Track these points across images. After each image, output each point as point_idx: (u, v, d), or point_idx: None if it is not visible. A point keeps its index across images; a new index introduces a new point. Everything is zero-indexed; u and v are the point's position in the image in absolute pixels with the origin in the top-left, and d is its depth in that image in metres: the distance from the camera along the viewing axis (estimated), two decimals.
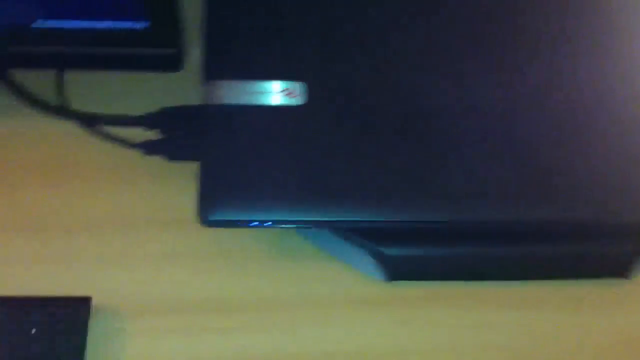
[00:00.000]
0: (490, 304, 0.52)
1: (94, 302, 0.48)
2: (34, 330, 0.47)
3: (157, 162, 0.54)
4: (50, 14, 0.49)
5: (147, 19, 0.49)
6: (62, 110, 0.55)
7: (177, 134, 0.54)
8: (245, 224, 0.49)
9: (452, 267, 0.53)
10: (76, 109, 0.55)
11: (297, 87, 0.52)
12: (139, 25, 0.49)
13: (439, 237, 0.52)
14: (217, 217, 0.49)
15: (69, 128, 0.55)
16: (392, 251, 0.52)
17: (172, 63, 0.52)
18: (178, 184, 0.53)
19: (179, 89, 0.56)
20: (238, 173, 0.49)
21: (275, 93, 0.52)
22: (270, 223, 0.49)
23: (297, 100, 0.52)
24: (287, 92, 0.53)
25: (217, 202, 0.49)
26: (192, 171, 0.52)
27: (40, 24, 0.49)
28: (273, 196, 0.49)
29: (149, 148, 0.53)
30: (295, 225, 0.51)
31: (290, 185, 0.49)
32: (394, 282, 0.52)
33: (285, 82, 0.53)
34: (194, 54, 0.53)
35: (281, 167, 0.50)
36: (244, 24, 0.54)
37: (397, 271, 0.53)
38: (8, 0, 0.48)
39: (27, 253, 0.51)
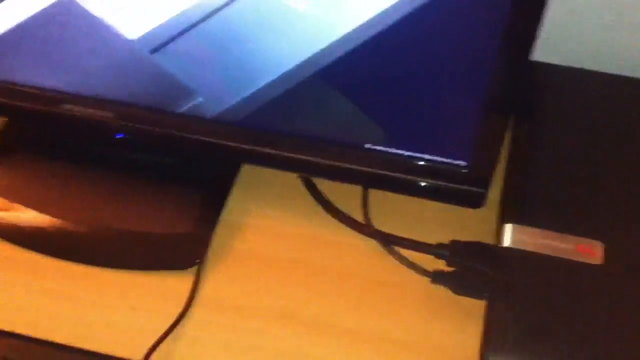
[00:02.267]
0: None
1: None
2: None
3: (443, 291, 0.56)
4: (378, 140, 0.53)
5: (469, 159, 0.52)
6: (364, 227, 0.59)
7: (466, 269, 0.55)
8: None
9: None
10: (377, 228, 0.59)
11: (594, 245, 0.52)
12: (459, 163, 0.52)
13: None
14: None
15: (367, 241, 0.59)
16: None
17: (476, 201, 0.54)
18: (459, 318, 0.55)
19: (473, 222, 0.58)
20: (526, 324, 0.50)
21: (571, 248, 0.53)
22: None
23: (593, 259, 0.52)
24: (583, 249, 0.53)
25: (503, 351, 0.49)
26: (475, 307, 0.53)
27: (367, 146, 0.54)
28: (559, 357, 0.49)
29: (436, 277, 0.56)
30: None
31: (579, 349, 0.49)
32: None
33: (582, 238, 0.53)
34: (492, 192, 0.56)
35: (571, 328, 0.50)
36: (545, 171, 0.56)
37: None
38: (347, 122, 0.53)
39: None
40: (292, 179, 0.63)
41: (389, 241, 0.58)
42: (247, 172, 0.64)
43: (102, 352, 0.54)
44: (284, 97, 0.51)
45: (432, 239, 0.57)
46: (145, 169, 0.63)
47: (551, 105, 0.60)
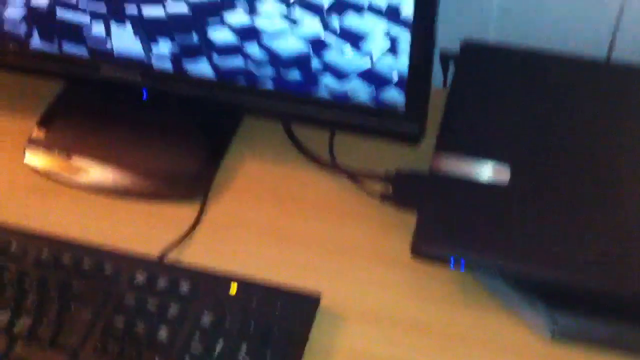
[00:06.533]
0: None
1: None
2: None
3: (389, 210, 0.72)
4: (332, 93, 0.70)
5: (405, 100, 0.68)
6: (330, 165, 0.77)
7: (407, 191, 0.72)
8: (445, 260, 0.64)
9: (622, 337, 0.62)
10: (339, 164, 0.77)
11: (502, 167, 0.68)
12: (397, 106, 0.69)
13: (614, 305, 0.63)
14: (425, 250, 0.65)
15: (331, 176, 0.76)
16: (562, 313, 0.63)
17: (415, 137, 0.70)
18: (401, 230, 0.71)
19: (415, 154, 0.74)
20: (447, 224, 0.65)
21: (483, 170, 0.68)
22: (463, 261, 0.63)
23: (503, 179, 0.67)
24: (496, 171, 0.68)
25: (427, 240, 0.65)
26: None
27: (318, 93, 0.70)
28: (471, 243, 0.64)
29: (384, 198, 0.72)
30: (484, 269, 0.65)
31: (487, 238, 0.64)
32: (557, 340, 0.63)
33: (495, 162, 0.68)
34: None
35: (481, 225, 0.65)
36: (468, 114, 0.73)
37: (563, 332, 0.63)
38: (295, 72, 0.70)
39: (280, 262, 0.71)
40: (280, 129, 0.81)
41: (347, 173, 0.75)
42: (247, 123, 0.82)
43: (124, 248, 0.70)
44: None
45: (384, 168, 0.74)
46: (164, 121, 0.81)
47: (473, 67, 0.77)
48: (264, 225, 0.73)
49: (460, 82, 0.76)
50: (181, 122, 0.81)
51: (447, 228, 0.65)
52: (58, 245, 0.69)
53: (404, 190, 0.72)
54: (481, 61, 0.77)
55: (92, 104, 0.83)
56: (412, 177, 0.72)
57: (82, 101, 0.84)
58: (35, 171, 0.78)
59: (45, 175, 0.78)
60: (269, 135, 0.81)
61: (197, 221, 0.73)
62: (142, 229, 0.73)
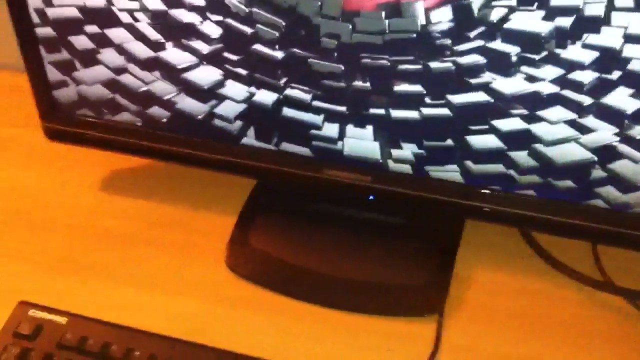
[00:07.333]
0: None
1: None
2: None
3: None
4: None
5: None
6: (603, 284, 0.65)
7: None
8: None
9: None
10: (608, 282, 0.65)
11: None
12: None
13: None
14: None
15: (588, 292, 0.66)
16: None
17: None
18: None
19: None
20: None
21: None
22: None
23: None
24: None
25: None
26: None
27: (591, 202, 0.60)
28: None
29: None
30: None
31: None
32: None
33: None
34: None
35: None
36: None
37: None
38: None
39: None
40: (514, 234, 0.70)
41: (618, 292, 0.64)
42: (470, 228, 0.71)
43: None
44: None
45: None
46: (380, 224, 0.71)
47: None
48: (518, 356, 0.63)
49: None
50: (404, 225, 0.71)
51: None
52: None
53: None
54: None
55: (298, 202, 0.74)
56: None
57: (285, 199, 0.75)
58: (237, 278, 0.69)
59: (249, 280, 0.68)
60: (499, 239, 0.70)
61: (437, 347, 0.63)
62: (369, 352, 0.63)
